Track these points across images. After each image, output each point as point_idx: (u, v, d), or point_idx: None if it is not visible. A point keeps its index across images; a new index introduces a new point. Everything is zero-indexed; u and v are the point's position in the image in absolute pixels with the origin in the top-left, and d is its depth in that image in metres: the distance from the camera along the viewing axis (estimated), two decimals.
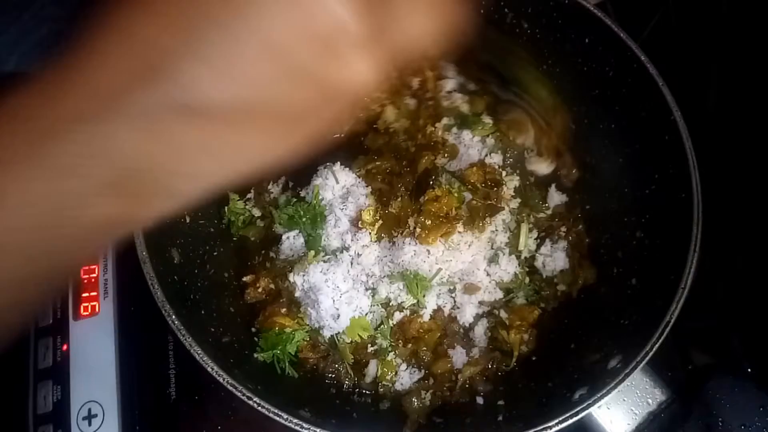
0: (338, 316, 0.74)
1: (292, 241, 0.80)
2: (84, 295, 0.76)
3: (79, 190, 0.30)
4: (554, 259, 0.81)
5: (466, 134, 0.87)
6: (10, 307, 0.35)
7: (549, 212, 0.85)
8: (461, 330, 0.79)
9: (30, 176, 0.30)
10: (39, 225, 0.31)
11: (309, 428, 0.60)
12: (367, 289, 0.77)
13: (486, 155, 0.87)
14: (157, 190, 0.33)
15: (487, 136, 0.88)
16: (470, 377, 0.75)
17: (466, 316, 0.78)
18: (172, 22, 0.29)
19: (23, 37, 0.76)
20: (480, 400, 0.74)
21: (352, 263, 0.78)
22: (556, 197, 0.86)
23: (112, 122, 0.30)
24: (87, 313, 0.75)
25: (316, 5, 0.29)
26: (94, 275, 0.77)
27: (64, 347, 0.73)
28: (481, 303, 0.79)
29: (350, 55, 0.31)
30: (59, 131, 0.30)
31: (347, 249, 0.78)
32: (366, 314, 0.76)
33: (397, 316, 0.77)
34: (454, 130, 0.88)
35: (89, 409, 0.70)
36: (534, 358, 0.77)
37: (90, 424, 0.69)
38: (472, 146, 0.87)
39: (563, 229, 0.83)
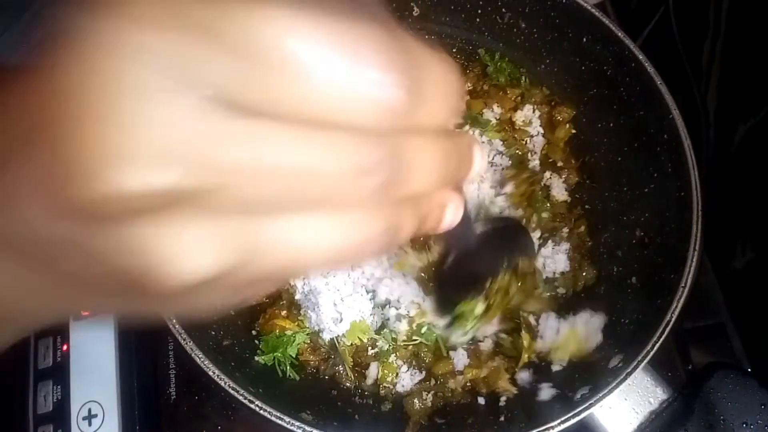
0: (341, 320, 0.74)
1: None
2: None
3: None
4: (555, 261, 0.81)
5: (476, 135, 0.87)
6: None
7: (549, 214, 0.85)
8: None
9: None
10: None
11: (311, 431, 0.60)
12: (368, 291, 0.77)
13: (493, 156, 0.87)
14: None
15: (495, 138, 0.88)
16: (472, 380, 0.75)
17: None
18: None
19: (23, 37, 0.77)
20: (481, 401, 0.74)
21: (352, 266, 0.78)
22: (558, 196, 0.85)
23: None
24: (87, 313, 0.75)
25: None
26: None
27: (64, 347, 0.73)
28: None
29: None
30: None
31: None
32: (368, 317, 0.76)
33: (394, 311, 0.77)
34: (466, 128, 0.88)
35: (89, 409, 0.70)
36: (535, 359, 0.77)
37: (90, 424, 0.69)
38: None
39: (565, 230, 0.83)
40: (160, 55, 0.18)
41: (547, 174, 0.85)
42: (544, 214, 0.84)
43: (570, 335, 0.75)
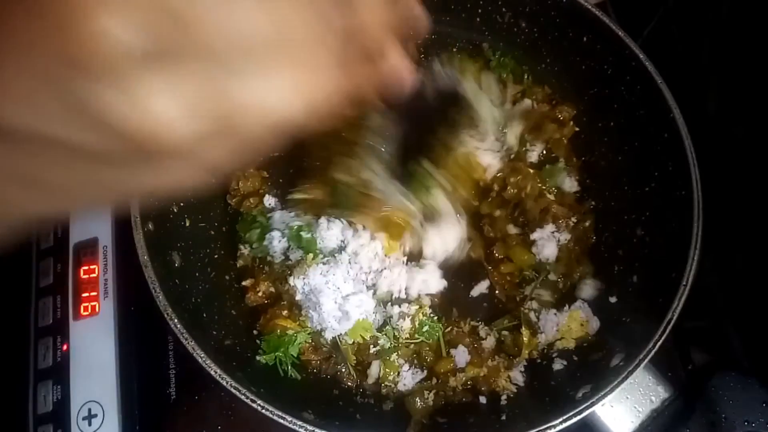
0: (347, 318, 0.74)
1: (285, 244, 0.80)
2: (84, 295, 0.76)
3: None
4: (545, 246, 0.80)
5: None
6: None
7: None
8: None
9: None
10: None
11: (313, 430, 0.60)
12: (368, 288, 0.77)
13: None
14: None
15: None
16: (473, 378, 0.75)
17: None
18: None
19: None
20: (483, 400, 0.74)
21: (350, 263, 0.78)
22: (567, 184, 0.85)
23: None
24: (87, 313, 0.75)
25: None
26: (94, 275, 0.77)
27: (64, 347, 0.73)
28: None
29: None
30: None
31: (345, 249, 0.78)
32: (371, 315, 0.76)
33: (397, 309, 0.77)
34: None
35: (89, 409, 0.69)
36: (537, 358, 0.77)
37: (90, 424, 0.69)
38: None
39: (574, 219, 0.82)
40: None
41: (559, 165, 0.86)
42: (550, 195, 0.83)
43: (571, 318, 0.76)
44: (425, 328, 0.76)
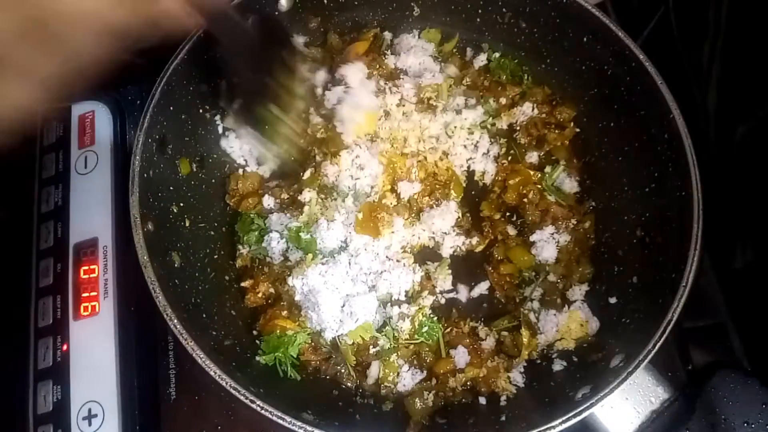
0: (353, 319, 0.74)
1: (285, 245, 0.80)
2: (84, 295, 0.76)
3: None
4: (545, 249, 0.81)
5: None
6: None
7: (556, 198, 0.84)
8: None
9: None
10: None
11: (312, 431, 0.60)
12: (369, 289, 0.77)
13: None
14: None
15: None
16: (473, 378, 0.75)
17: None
18: None
19: None
20: (482, 401, 0.74)
21: (350, 263, 0.78)
22: (567, 184, 0.85)
23: None
24: (87, 313, 0.75)
25: None
26: (94, 275, 0.77)
27: (64, 347, 0.73)
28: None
29: None
30: None
31: (345, 249, 0.78)
32: (373, 315, 0.76)
33: (397, 310, 0.77)
34: None
35: (89, 409, 0.69)
36: (537, 359, 0.77)
37: (90, 424, 0.69)
38: None
39: (573, 220, 0.83)
40: None
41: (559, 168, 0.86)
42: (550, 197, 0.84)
43: (571, 319, 0.76)
44: (425, 329, 0.76)
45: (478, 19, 0.89)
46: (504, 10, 0.86)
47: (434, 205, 0.84)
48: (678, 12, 0.90)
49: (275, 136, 0.76)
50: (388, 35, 0.92)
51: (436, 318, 0.77)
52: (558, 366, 0.74)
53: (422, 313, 0.77)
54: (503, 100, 0.88)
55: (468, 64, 0.92)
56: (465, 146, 0.87)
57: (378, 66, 0.87)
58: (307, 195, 0.80)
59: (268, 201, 0.83)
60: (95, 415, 0.69)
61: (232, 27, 0.64)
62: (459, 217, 0.84)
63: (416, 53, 0.89)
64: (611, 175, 0.82)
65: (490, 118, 0.88)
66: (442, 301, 0.81)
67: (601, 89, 0.82)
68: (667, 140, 0.73)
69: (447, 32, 0.92)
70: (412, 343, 0.77)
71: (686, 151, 0.71)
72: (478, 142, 0.87)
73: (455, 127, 0.86)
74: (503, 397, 0.73)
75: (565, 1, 0.78)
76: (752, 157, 0.81)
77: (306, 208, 0.79)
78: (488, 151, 0.88)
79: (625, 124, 0.80)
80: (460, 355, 0.76)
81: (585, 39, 0.80)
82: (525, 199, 0.83)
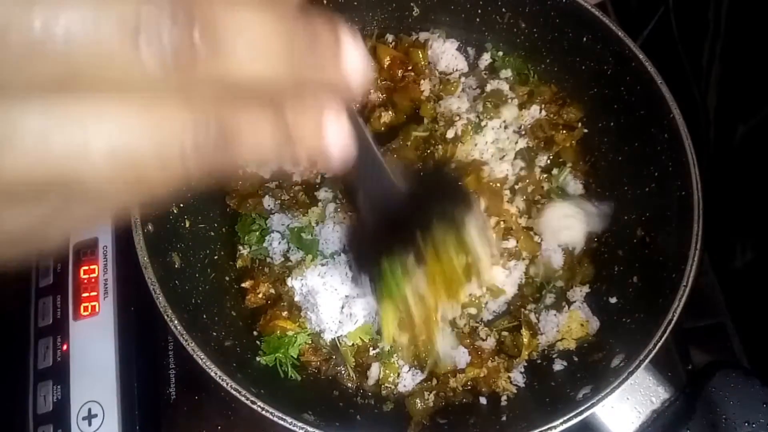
0: (353, 320, 0.73)
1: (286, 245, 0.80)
2: (84, 295, 0.76)
3: None
4: (552, 256, 0.80)
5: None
6: None
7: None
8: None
9: None
10: None
11: (313, 431, 0.60)
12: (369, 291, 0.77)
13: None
14: None
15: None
16: (473, 379, 0.75)
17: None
18: None
19: None
20: (483, 401, 0.74)
21: (350, 265, 0.77)
22: (572, 186, 0.84)
23: None
24: (87, 313, 0.75)
25: None
26: (94, 275, 0.77)
27: (64, 347, 0.73)
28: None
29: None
30: None
31: (346, 252, 0.78)
32: (373, 316, 0.76)
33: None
34: None
35: (89, 409, 0.69)
36: (537, 359, 0.77)
37: (90, 424, 0.69)
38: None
39: None
40: None
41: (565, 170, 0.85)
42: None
43: (571, 319, 0.76)
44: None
45: (478, 19, 0.89)
46: (504, 10, 0.86)
47: None
48: (678, 12, 0.90)
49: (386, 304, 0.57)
50: (389, 37, 0.93)
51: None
52: (558, 366, 0.74)
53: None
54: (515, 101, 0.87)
55: (474, 65, 0.92)
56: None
57: None
58: (324, 194, 0.79)
59: (269, 202, 0.83)
60: (95, 415, 0.69)
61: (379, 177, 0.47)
62: None
63: None
64: (611, 175, 0.82)
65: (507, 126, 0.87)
66: None
67: (601, 89, 0.82)
68: (667, 140, 0.73)
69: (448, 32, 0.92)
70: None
71: (686, 151, 0.70)
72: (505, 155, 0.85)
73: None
74: (504, 397, 0.73)
75: (564, 1, 0.78)
76: (752, 157, 0.81)
77: (315, 208, 0.79)
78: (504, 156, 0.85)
79: (625, 124, 0.80)
80: (461, 356, 0.76)
81: (585, 39, 0.80)
82: (538, 205, 0.83)
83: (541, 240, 0.81)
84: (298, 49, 0.21)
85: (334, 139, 0.23)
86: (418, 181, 0.53)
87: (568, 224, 0.80)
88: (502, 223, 0.80)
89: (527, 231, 0.81)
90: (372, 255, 0.55)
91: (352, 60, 0.23)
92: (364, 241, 0.57)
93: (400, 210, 0.49)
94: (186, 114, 0.19)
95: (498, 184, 0.81)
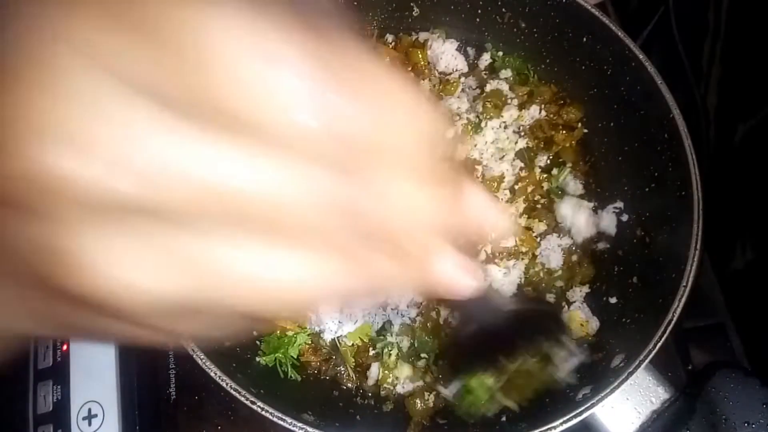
0: (352, 320, 0.73)
1: None
2: None
3: None
4: (551, 256, 0.81)
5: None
6: None
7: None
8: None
9: None
10: None
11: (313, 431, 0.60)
12: None
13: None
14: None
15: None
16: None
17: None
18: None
19: None
20: None
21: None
22: (572, 186, 0.84)
23: None
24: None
25: None
26: None
27: (64, 347, 0.73)
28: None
29: None
30: None
31: None
32: (373, 317, 0.76)
33: (398, 320, 0.77)
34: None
35: (89, 409, 0.69)
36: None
37: (90, 424, 0.69)
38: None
39: None
40: (91, 46, 0.17)
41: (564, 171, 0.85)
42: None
43: (571, 319, 0.76)
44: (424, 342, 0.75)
45: (478, 19, 0.89)
46: (503, 10, 0.86)
47: None
48: (678, 12, 0.90)
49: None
50: (389, 37, 0.93)
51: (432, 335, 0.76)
52: None
53: (421, 326, 0.76)
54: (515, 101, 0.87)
55: (474, 65, 0.92)
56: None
57: None
58: None
59: None
60: (95, 415, 0.69)
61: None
62: None
63: None
64: (611, 175, 0.82)
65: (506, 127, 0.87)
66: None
67: (601, 89, 0.82)
68: (667, 140, 0.73)
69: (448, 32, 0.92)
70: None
71: (686, 151, 0.70)
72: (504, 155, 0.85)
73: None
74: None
75: (564, 1, 0.78)
76: (752, 157, 0.81)
77: None
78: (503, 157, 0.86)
79: (625, 124, 0.80)
80: None
81: (585, 39, 0.80)
82: (538, 206, 0.83)
83: (541, 240, 0.81)
84: (445, 208, 0.24)
85: (466, 286, 0.26)
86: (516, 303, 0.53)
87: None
88: None
89: (527, 230, 0.81)
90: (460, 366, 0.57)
91: (497, 226, 0.27)
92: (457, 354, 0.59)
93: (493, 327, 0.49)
94: (343, 263, 0.22)
95: (495, 183, 0.81)
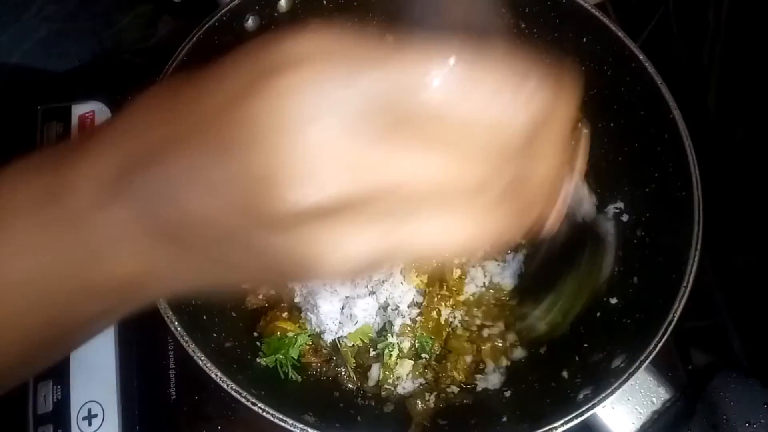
0: (353, 321, 0.73)
1: None
2: None
3: (91, 243, 0.29)
4: None
5: None
6: (22, 365, 0.36)
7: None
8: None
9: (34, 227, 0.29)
10: (42, 277, 0.30)
11: None
12: (369, 293, 0.77)
13: None
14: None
15: None
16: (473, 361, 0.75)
17: None
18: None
19: (23, 37, 0.76)
20: (484, 401, 0.74)
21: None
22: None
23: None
24: None
25: None
26: None
27: None
28: None
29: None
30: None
31: None
32: (373, 317, 0.76)
33: (399, 321, 0.77)
34: None
35: (89, 409, 0.69)
36: (537, 360, 0.77)
37: (90, 424, 0.68)
38: None
39: None
40: (331, 95, 0.23)
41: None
42: None
43: None
44: (425, 346, 0.76)
45: None
46: (503, 10, 0.86)
47: None
48: (678, 12, 0.90)
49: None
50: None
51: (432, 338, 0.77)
52: None
53: (420, 328, 0.77)
54: None
55: None
56: None
57: None
58: None
59: None
60: (95, 415, 0.69)
61: None
62: None
63: None
64: (611, 175, 0.82)
65: None
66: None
67: (601, 89, 0.82)
68: (667, 140, 0.73)
69: None
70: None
71: (686, 152, 0.70)
72: None
73: None
74: (504, 398, 0.73)
75: (564, 1, 0.78)
76: (752, 157, 0.81)
77: None
78: None
79: (625, 124, 0.80)
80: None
81: (585, 39, 0.80)
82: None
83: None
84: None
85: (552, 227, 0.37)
86: None
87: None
88: None
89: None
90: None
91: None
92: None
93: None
94: (492, 225, 0.29)
95: None
